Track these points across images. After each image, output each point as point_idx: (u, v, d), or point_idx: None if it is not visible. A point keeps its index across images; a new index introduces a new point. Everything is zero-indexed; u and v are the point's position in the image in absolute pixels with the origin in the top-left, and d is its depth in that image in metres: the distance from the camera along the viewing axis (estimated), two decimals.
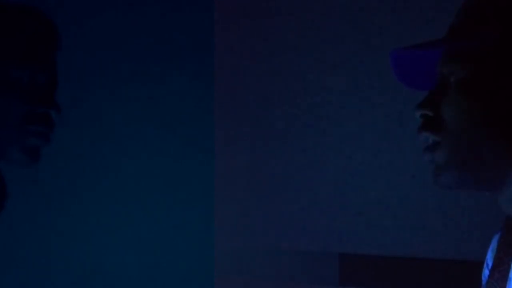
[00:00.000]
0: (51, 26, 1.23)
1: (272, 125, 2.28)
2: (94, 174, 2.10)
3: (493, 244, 1.04)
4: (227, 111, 2.41)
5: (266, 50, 2.31)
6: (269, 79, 2.30)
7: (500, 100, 0.89)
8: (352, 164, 2.07)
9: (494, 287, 0.98)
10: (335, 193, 2.10)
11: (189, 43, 2.38)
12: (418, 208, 1.93)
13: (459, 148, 0.91)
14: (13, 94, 1.15)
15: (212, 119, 2.43)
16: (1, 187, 1.25)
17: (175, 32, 2.34)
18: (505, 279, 0.96)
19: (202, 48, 2.42)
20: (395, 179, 1.98)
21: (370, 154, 2.04)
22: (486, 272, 1.04)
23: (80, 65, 2.04)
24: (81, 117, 2.06)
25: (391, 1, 2.01)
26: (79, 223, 2.05)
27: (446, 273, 1.86)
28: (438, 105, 0.93)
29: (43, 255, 1.97)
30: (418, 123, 0.96)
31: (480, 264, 1.08)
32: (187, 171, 2.34)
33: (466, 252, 1.82)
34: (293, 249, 2.20)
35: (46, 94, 1.18)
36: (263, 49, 2.32)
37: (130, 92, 2.20)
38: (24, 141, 1.16)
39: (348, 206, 2.07)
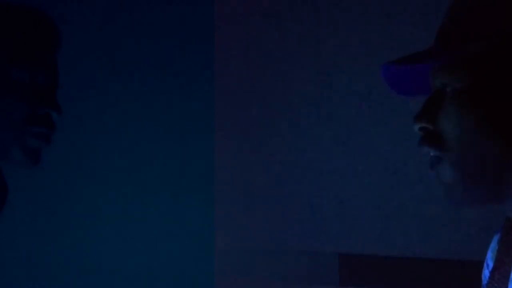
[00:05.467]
0: (51, 26, 1.23)
1: (272, 125, 2.28)
2: (94, 175, 2.10)
3: (493, 245, 1.03)
4: (227, 111, 2.41)
5: (266, 50, 2.31)
6: (269, 79, 2.30)
7: (498, 107, 0.86)
8: (353, 165, 2.07)
9: None
10: (335, 193, 2.10)
11: (189, 43, 2.38)
12: (418, 209, 1.93)
13: (462, 163, 0.88)
14: (14, 95, 1.15)
15: (212, 119, 2.43)
16: (1, 187, 1.25)
17: (175, 32, 2.34)
18: (506, 280, 0.95)
19: (202, 48, 2.42)
20: (395, 180, 1.98)
21: (371, 155, 2.04)
22: (486, 273, 1.04)
23: (80, 65, 2.04)
24: (81, 118, 2.06)
25: (392, 4, 2.01)
26: (79, 223, 2.05)
27: (446, 273, 1.86)
28: (436, 116, 0.90)
29: (44, 254, 1.97)
30: (417, 134, 0.94)
31: (480, 264, 1.08)
32: (187, 171, 2.34)
33: (466, 252, 1.82)
34: (293, 249, 2.20)
35: (47, 95, 1.18)
36: (263, 49, 2.32)
37: (130, 92, 2.20)
38: (25, 142, 1.15)
39: (348, 206, 2.07)
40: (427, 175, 0.96)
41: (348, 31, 2.10)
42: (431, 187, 0.95)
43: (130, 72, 2.20)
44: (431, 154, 0.91)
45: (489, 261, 1.03)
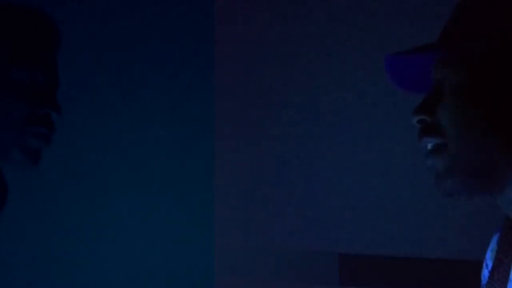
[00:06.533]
0: (51, 26, 1.23)
1: (272, 125, 2.28)
2: (95, 175, 2.10)
3: (492, 244, 1.04)
4: (227, 111, 2.41)
5: (266, 50, 2.31)
6: (269, 80, 2.30)
7: (495, 104, 0.87)
8: (352, 165, 2.07)
9: None
10: (335, 193, 2.10)
11: (189, 43, 2.38)
12: (418, 209, 1.93)
13: (459, 154, 0.89)
14: (14, 95, 1.15)
15: (212, 119, 2.43)
16: (1, 187, 1.25)
17: (175, 32, 2.34)
18: (505, 280, 0.96)
19: (202, 48, 2.42)
20: (395, 179, 1.98)
21: (370, 155, 2.04)
22: (485, 273, 1.04)
23: (80, 65, 2.04)
24: (81, 118, 2.06)
25: (391, 4, 2.01)
26: (79, 223, 2.05)
27: (446, 273, 1.86)
28: (435, 109, 0.91)
29: (44, 255, 1.97)
30: (416, 129, 0.95)
31: (480, 264, 1.08)
32: (187, 171, 2.34)
33: (466, 252, 1.82)
34: (293, 249, 2.20)
35: (46, 95, 1.18)
36: (263, 50, 2.32)
37: (130, 92, 2.20)
38: (25, 142, 1.15)
39: (348, 206, 2.07)
40: (427, 176, 0.96)
41: (349, 30, 2.10)
42: (431, 187, 0.95)
43: (130, 72, 2.20)
44: (428, 146, 0.93)
45: (489, 261, 1.03)
